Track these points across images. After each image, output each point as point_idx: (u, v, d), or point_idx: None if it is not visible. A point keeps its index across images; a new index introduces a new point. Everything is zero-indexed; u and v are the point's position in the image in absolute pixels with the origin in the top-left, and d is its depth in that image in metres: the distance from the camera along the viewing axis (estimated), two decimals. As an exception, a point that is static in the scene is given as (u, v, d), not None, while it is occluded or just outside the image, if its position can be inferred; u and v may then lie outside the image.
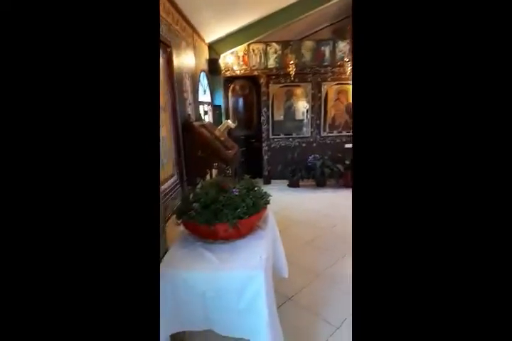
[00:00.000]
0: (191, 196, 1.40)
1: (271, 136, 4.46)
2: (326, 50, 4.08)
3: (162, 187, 1.68)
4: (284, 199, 3.44)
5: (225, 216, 1.23)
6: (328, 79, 4.19)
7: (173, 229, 1.45)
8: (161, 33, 1.78)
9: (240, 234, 1.33)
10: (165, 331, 1.09)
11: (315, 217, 2.94)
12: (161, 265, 1.13)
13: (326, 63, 4.11)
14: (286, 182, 4.45)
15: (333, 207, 3.24)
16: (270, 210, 1.63)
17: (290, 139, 4.49)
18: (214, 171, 3.00)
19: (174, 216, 1.34)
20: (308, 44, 4.09)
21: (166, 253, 1.24)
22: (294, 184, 4.29)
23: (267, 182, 4.49)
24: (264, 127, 4.42)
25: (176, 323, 1.13)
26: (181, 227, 1.36)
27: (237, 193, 1.34)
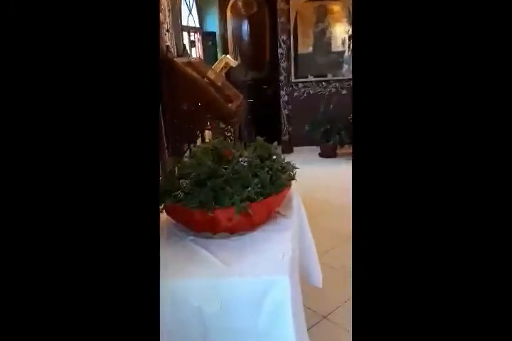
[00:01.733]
0: (176, 170, 1.40)
1: (293, 80, 4.39)
2: None
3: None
4: (313, 176, 3.43)
5: (229, 197, 1.24)
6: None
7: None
8: None
9: (251, 224, 1.34)
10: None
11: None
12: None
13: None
14: (316, 149, 4.42)
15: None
16: (295, 190, 1.63)
17: (323, 83, 4.38)
18: (208, 134, 2.99)
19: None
20: None
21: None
22: (328, 152, 4.25)
23: (288, 150, 4.48)
24: (282, 65, 4.34)
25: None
26: (164, 215, 1.37)
27: (246, 164, 1.32)
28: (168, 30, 2.66)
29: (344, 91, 4.35)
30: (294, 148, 4.62)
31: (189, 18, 3.94)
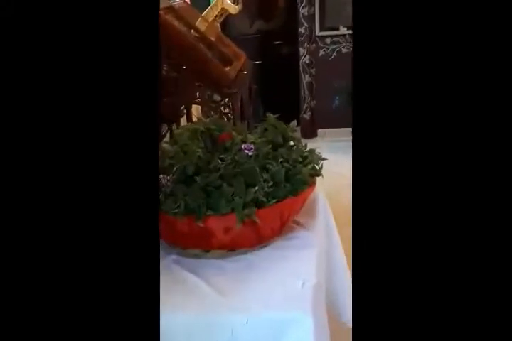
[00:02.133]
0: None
1: (318, 33, 4.42)
2: None
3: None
4: (342, 170, 3.40)
5: (227, 200, 1.24)
6: None
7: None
8: None
9: (258, 239, 1.35)
10: None
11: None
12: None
13: None
14: (348, 133, 4.38)
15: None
16: (321, 191, 1.62)
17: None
18: (196, 110, 2.98)
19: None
20: None
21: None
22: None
23: (309, 133, 4.48)
24: (302, 12, 4.36)
25: None
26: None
27: (251, 153, 1.32)
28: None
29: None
30: (319, 131, 4.61)
31: None
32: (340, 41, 4.44)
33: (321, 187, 1.59)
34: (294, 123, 1.40)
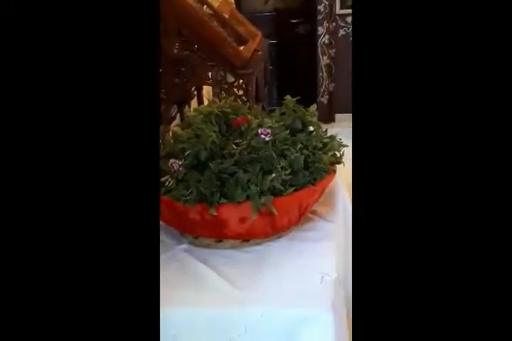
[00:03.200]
0: (162, 146, 1.40)
1: (338, 11, 4.39)
2: None
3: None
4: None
5: (242, 188, 1.24)
6: None
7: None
8: None
9: (274, 229, 1.35)
10: None
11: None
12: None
13: None
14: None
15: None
16: (341, 180, 1.63)
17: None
18: (207, 92, 2.98)
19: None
20: None
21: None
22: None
23: (327, 117, 4.46)
24: (322, -11, 4.34)
25: None
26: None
27: (268, 138, 1.32)
28: None
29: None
30: (336, 116, 4.59)
31: None
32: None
33: (342, 176, 1.58)
34: (315, 106, 1.39)
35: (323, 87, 4.55)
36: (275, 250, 1.33)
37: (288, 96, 1.52)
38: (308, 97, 4.40)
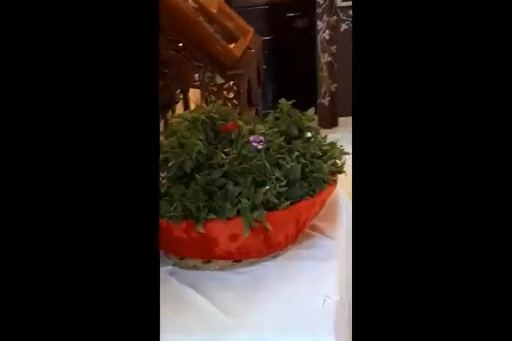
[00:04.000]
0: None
1: (340, 3, 4.42)
2: None
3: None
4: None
5: (232, 202, 1.25)
6: None
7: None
8: None
9: (269, 248, 1.35)
10: None
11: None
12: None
13: None
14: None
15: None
16: (343, 190, 1.64)
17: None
18: (194, 95, 2.98)
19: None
20: None
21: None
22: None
23: (329, 122, 4.47)
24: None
25: None
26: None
27: (261, 146, 1.32)
28: None
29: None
30: (340, 119, 4.61)
31: None
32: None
33: (344, 187, 1.58)
34: (312, 110, 1.38)
35: (324, 87, 4.56)
36: (271, 271, 1.33)
37: (283, 99, 1.53)
38: (307, 99, 4.43)
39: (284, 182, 1.28)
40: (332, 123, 4.53)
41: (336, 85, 4.55)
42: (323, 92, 4.59)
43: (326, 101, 4.59)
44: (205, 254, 1.33)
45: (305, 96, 4.39)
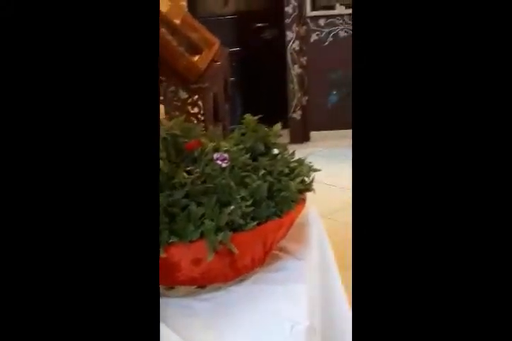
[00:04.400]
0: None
1: (309, 13, 4.48)
2: None
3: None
4: (341, 183, 3.42)
5: (195, 224, 1.24)
6: None
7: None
8: None
9: (235, 272, 1.35)
10: None
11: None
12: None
13: None
14: (348, 135, 4.40)
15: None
16: (313, 209, 1.64)
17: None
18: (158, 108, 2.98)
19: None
20: None
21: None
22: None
23: (300, 137, 4.48)
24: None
25: None
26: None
27: (225, 164, 1.32)
28: None
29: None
30: (311, 134, 4.63)
31: None
32: (337, 23, 4.47)
33: (314, 205, 1.59)
34: (278, 126, 1.38)
35: (295, 100, 4.59)
36: (237, 296, 1.33)
37: (248, 115, 1.53)
38: (278, 113, 4.45)
39: (250, 201, 1.29)
40: (304, 138, 4.54)
41: (306, 98, 4.58)
42: (294, 106, 4.62)
43: (297, 115, 4.62)
44: (167, 280, 1.32)
45: (275, 110, 4.42)
